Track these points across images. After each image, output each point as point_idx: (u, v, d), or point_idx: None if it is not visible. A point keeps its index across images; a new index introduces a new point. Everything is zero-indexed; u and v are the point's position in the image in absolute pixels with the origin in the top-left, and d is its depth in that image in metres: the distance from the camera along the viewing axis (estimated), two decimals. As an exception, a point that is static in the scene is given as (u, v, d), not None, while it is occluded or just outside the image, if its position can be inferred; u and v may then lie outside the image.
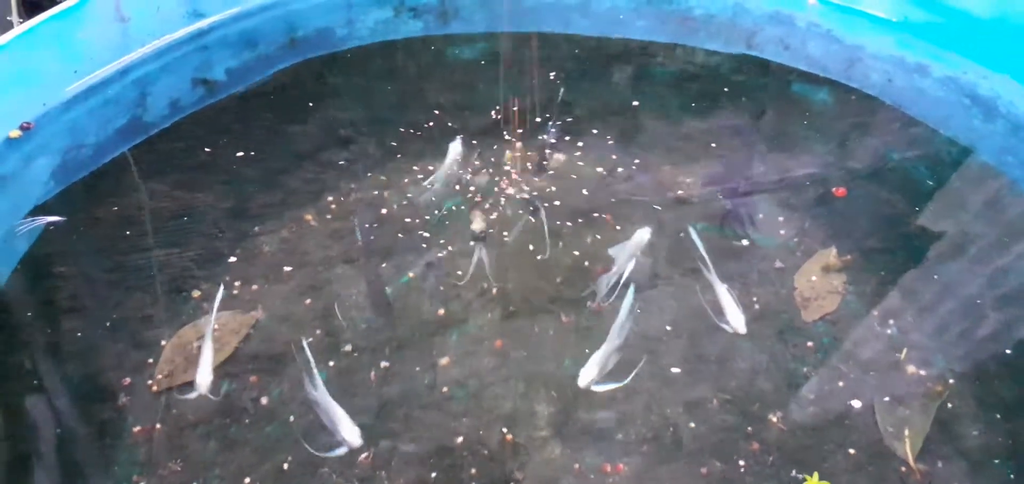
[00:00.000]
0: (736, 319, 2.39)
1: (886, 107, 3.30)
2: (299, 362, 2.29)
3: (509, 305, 2.48)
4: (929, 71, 3.39)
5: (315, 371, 2.22)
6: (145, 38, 3.32)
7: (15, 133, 2.88)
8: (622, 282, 2.50)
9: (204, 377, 2.17)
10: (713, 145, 3.10)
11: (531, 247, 2.67)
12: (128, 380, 2.26)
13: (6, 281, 2.56)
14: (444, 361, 2.33)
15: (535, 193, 2.83)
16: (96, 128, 3.08)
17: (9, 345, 2.38)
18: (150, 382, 2.25)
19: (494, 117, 3.21)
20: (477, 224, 2.68)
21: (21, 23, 3.20)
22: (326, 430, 2.14)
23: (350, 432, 2.11)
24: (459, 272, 2.57)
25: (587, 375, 2.21)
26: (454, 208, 2.82)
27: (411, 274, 2.59)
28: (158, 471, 2.06)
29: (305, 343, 2.31)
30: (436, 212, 2.80)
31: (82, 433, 2.18)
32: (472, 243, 2.66)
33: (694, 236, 2.63)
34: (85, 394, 2.26)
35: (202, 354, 2.25)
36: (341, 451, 2.09)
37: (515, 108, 3.26)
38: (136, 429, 2.15)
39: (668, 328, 2.42)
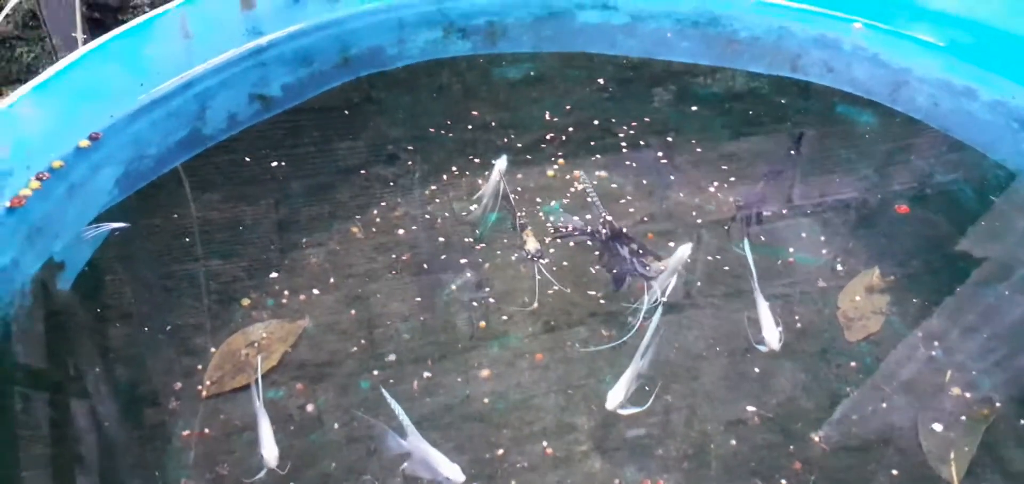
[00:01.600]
0: (771, 336, 2.35)
1: (932, 131, 3.26)
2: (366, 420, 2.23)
3: (550, 319, 2.51)
4: (977, 95, 3.35)
5: (404, 417, 2.11)
6: (207, 54, 3.42)
7: (85, 143, 2.99)
8: (665, 297, 2.52)
9: (271, 452, 2.10)
10: (755, 166, 3.09)
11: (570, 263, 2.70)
12: (179, 385, 2.32)
13: (72, 285, 2.65)
14: (485, 373, 2.35)
15: (601, 218, 2.84)
16: (158, 139, 3.17)
17: (69, 347, 2.47)
18: (200, 388, 2.31)
19: (539, 135, 3.24)
20: (531, 244, 2.70)
21: (86, 40, 3.33)
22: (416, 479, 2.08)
23: (450, 470, 2.03)
24: (525, 298, 2.58)
25: (615, 397, 2.19)
26: (498, 223, 2.85)
27: (454, 287, 2.62)
28: (205, 475, 2.11)
29: (386, 393, 2.21)
30: (480, 228, 2.83)
31: (133, 435, 2.24)
32: (530, 259, 2.68)
33: (747, 249, 2.62)
34: (137, 397, 2.32)
35: (262, 431, 2.14)
36: None
37: (560, 127, 3.28)
38: (185, 433, 2.20)
39: (709, 345, 2.42)
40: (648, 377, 2.29)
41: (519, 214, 2.87)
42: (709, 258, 2.71)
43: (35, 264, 2.65)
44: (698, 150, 3.17)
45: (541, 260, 2.66)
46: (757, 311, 2.43)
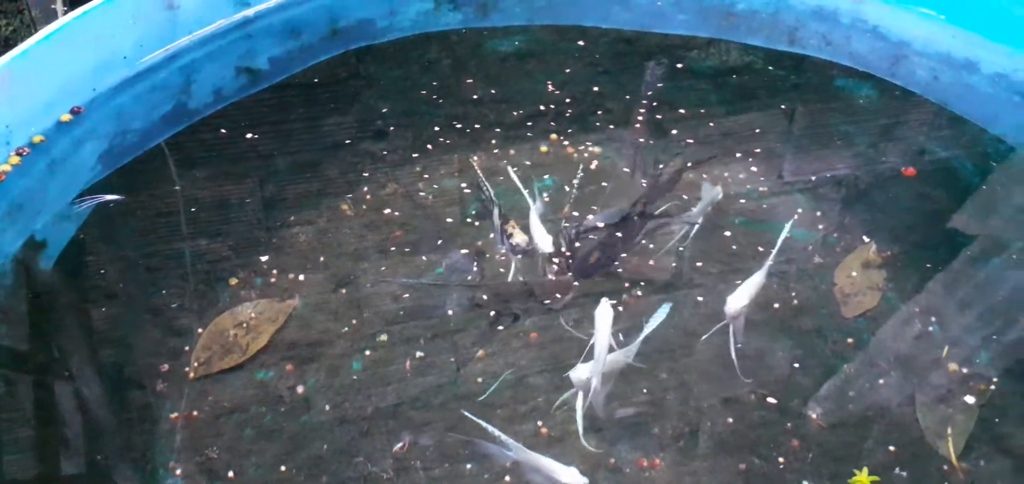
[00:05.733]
0: (732, 302, 2.34)
1: (931, 104, 3.23)
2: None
3: (545, 297, 2.47)
4: (978, 68, 3.31)
5: (502, 436, 2.07)
6: (192, 26, 3.36)
7: (66, 117, 2.93)
8: (691, 234, 2.57)
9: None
10: (751, 141, 3.06)
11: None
12: (165, 366, 2.29)
13: (54, 263, 2.61)
14: (479, 352, 2.33)
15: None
16: (142, 114, 3.12)
17: (52, 327, 2.44)
18: (187, 369, 2.28)
19: (532, 110, 3.20)
20: (518, 237, 2.61)
21: (66, 11, 3.26)
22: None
23: (568, 474, 1.99)
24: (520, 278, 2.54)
25: (580, 374, 2.18)
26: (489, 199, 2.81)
27: (445, 265, 2.59)
28: (194, 458, 2.08)
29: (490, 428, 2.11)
30: (472, 204, 2.80)
31: (119, 418, 2.21)
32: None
33: (785, 229, 2.61)
34: (123, 379, 2.29)
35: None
36: None
37: (552, 102, 3.24)
38: (173, 416, 2.17)
39: (703, 323, 2.39)
40: (644, 355, 2.27)
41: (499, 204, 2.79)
42: (705, 235, 2.68)
43: (15, 242, 2.61)
44: (695, 126, 3.13)
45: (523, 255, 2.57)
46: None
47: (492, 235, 2.66)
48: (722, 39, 3.59)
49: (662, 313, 2.33)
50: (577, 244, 2.62)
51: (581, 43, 3.58)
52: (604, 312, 2.26)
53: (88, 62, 3.05)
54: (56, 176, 2.82)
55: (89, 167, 2.89)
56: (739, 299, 2.35)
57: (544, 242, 2.60)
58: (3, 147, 2.75)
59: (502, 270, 2.56)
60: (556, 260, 2.56)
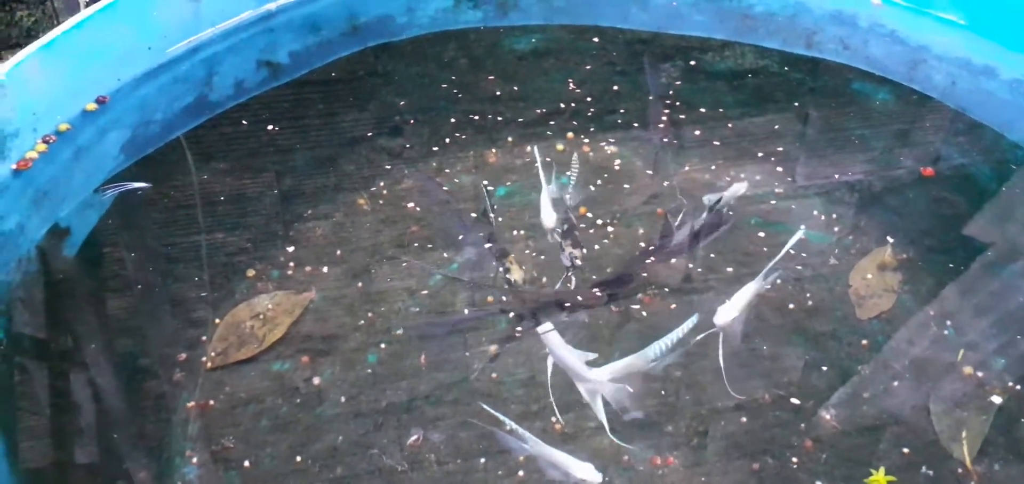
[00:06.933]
0: (722, 313, 2.36)
1: (948, 109, 3.22)
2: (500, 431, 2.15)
3: (560, 296, 2.48)
4: (996, 73, 3.30)
5: (520, 430, 2.10)
6: (215, 18, 3.38)
7: (91, 106, 2.96)
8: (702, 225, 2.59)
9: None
10: (768, 143, 3.06)
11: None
12: (183, 356, 2.31)
13: (77, 252, 2.64)
14: (494, 348, 2.34)
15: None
16: (164, 105, 3.15)
17: (73, 315, 2.47)
18: (204, 359, 2.30)
19: (549, 109, 3.20)
20: (516, 273, 2.58)
21: (89, 2, 3.29)
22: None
23: (583, 470, 2.02)
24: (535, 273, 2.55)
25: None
26: (506, 197, 2.82)
27: (461, 261, 2.60)
28: (211, 447, 2.11)
29: (506, 420, 2.15)
30: (488, 201, 2.81)
31: (136, 406, 2.23)
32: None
33: (802, 231, 2.64)
34: (141, 368, 2.32)
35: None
36: None
37: (569, 101, 3.25)
38: (189, 405, 2.20)
39: (718, 322, 2.39)
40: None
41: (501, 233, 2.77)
42: (719, 236, 2.69)
43: (41, 228, 2.64)
44: (710, 127, 3.13)
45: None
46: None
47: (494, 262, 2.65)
48: (738, 42, 3.58)
49: (689, 324, 2.33)
50: (580, 247, 2.64)
51: (596, 40, 3.58)
52: (548, 336, 2.32)
53: (113, 51, 3.08)
54: (81, 164, 2.85)
55: (112, 156, 2.92)
56: (729, 311, 2.36)
57: (549, 220, 2.69)
58: (30, 134, 2.79)
59: (515, 270, 2.57)
60: (578, 261, 2.57)
